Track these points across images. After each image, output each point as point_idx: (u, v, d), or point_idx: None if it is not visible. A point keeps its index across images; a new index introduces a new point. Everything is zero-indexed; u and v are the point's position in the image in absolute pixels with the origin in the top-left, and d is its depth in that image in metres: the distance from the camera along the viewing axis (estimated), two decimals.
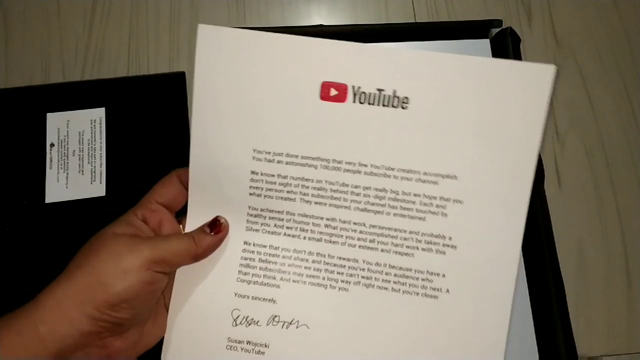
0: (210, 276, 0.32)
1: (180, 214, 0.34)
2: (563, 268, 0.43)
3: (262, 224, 0.32)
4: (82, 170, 0.45)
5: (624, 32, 0.53)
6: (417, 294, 0.31)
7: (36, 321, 0.27)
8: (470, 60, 0.29)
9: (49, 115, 0.46)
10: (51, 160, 0.45)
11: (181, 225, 0.33)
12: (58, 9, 0.53)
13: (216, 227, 0.31)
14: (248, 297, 0.32)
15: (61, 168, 0.45)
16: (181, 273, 0.32)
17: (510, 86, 0.29)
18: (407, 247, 0.31)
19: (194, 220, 0.32)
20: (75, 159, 0.46)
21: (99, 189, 0.44)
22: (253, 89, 0.31)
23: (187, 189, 0.32)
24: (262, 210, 0.32)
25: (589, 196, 0.48)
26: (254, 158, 0.31)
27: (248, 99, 0.31)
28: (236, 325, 0.31)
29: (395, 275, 0.31)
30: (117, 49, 0.52)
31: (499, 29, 0.49)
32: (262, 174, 0.31)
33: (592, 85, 0.51)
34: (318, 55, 0.30)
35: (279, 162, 0.31)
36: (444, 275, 0.31)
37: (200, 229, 0.31)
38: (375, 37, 0.49)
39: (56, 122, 0.46)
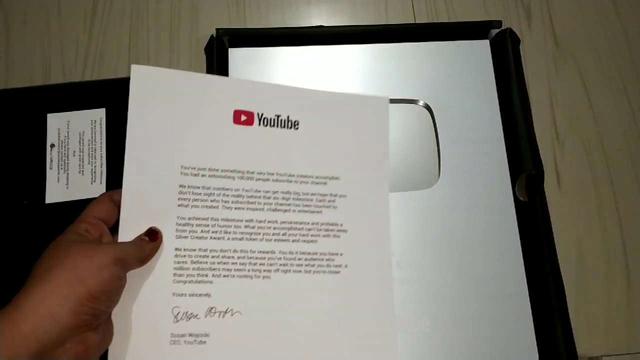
0: (148, 281, 0.35)
1: (112, 231, 0.36)
2: (563, 268, 0.43)
3: (190, 231, 0.36)
4: (82, 171, 0.45)
5: (623, 33, 0.53)
6: (324, 272, 0.38)
7: (18, 321, 0.28)
8: (335, 95, 0.42)
9: (49, 115, 0.46)
10: (51, 161, 0.46)
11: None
12: (58, 10, 0.53)
13: (153, 236, 0.35)
14: (185, 294, 0.35)
15: (61, 168, 0.45)
16: None
17: (363, 111, 0.41)
18: (312, 235, 0.39)
19: (126, 234, 0.35)
20: (75, 159, 0.46)
21: (99, 190, 0.44)
22: (179, 116, 0.37)
23: (118, 207, 0.36)
24: (189, 219, 0.37)
25: (589, 196, 0.48)
26: (181, 173, 0.37)
27: (175, 125, 0.37)
28: (177, 321, 0.35)
29: (305, 259, 0.38)
30: (118, 49, 0.52)
31: (499, 29, 0.50)
32: (188, 187, 0.37)
33: (592, 86, 0.52)
34: (230, 89, 0.39)
35: (202, 175, 0.37)
36: (341, 254, 0.39)
37: (140, 238, 0.35)
38: (375, 38, 0.49)
39: (56, 123, 0.46)
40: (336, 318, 0.38)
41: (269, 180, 0.38)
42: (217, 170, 0.38)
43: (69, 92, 0.48)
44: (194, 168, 0.37)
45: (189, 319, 0.35)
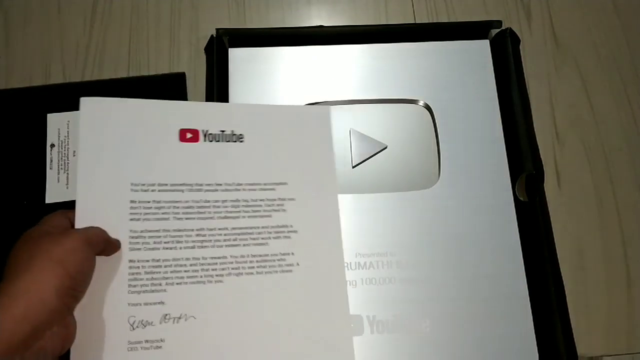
0: (105, 293, 0.36)
1: None
2: (563, 268, 0.43)
3: (143, 243, 0.38)
4: None
5: (623, 33, 0.53)
6: (277, 271, 0.40)
7: (9, 306, 0.29)
8: (277, 108, 0.44)
9: (49, 115, 0.46)
10: (51, 161, 0.46)
11: None
12: (58, 10, 0.53)
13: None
14: (140, 304, 0.37)
15: (61, 168, 0.45)
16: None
17: (305, 121, 0.44)
18: (262, 238, 0.40)
19: None
20: (75, 159, 0.46)
21: None
22: (128, 139, 0.39)
23: (71, 223, 0.37)
24: (142, 231, 0.38)
25: (589, 196, 0.48)
26: (132, 190, 0.38)
27: (124, 147, 0.39)
28: (133, 329, 0.36)
29: (257, 261, 0.39)
30: (118, 49, 0.52)
31: (499, 29, 0.50)
32: (139, 202, 0.38)
33: (592, 86, 0.52)
34: (175, 111, 0.41)
35: (152, 190, 0.39)
36: (293, 254, 0.40)
37: None
38: (375, 38, 0.49)
39: (56, 123, 0.46)
40: (290, 316, 0.39)
41: (217, 190, 0.40)
42: (167, 185, 0.39)
43: (69, 92, 0.48)
44: (144, 184, 0.39)
45: (145, 326, 0.37)
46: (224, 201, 0.40)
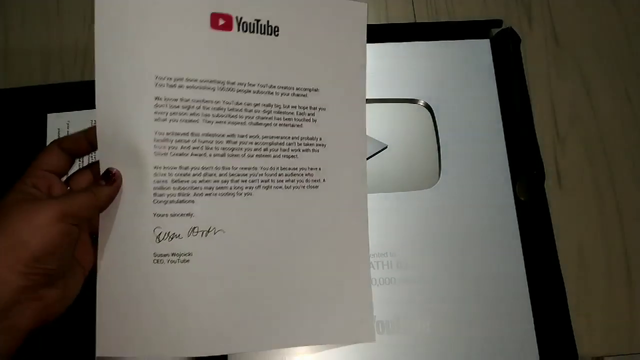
0: (128, 204, 0.34)
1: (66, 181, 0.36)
2: (563, 268, 0.43)
3: (169, 148, 0.35)
4: None
5: (624, 32, 0.53)
6: (304, 187, 0.38)
7: None
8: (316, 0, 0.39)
9: (49, 115, 0.46)
10: None
11: (69, 187, 0.35)
12: (57, 9, 0.53)
13: (110, 178, 0.33)
14: (167, 215, 0.35)
15: None
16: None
17: (341, 19, 0.40)
18: (292, 150, 0.38)
19: (105, 157, 0.34)
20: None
21: None
22: (151, 25, 0.34)
23: (69, 154, 0.34)
24: (168, 134, 0.34)
25: (590, 196, 0.48)
26: (156, 84, 0.34)
27: (147, 33, 0.34)
28: (159, 241, 0.34)
29: (286, 175, 0.38)
30: None
31: (499, 29, 0.49)
32: (165, 99, 0.34)
33: (592, 85, 0.51)
34: None
35: (180, 86, 0.35)
36: (320, 169, 0.39)
37: (94, 184, 0.34)
38: (375, 37, 0.49)
39: (56, 123, 0.46)
40: (315, 232, 0.38)
41: (250, 92, 0.37)
42: (196, 80, 0.35)
43: (69, 92, 0.48)
44: (170, 78, 0.34)
45: (172, 239, 0.35)
46: (256, 105, 0.37)
